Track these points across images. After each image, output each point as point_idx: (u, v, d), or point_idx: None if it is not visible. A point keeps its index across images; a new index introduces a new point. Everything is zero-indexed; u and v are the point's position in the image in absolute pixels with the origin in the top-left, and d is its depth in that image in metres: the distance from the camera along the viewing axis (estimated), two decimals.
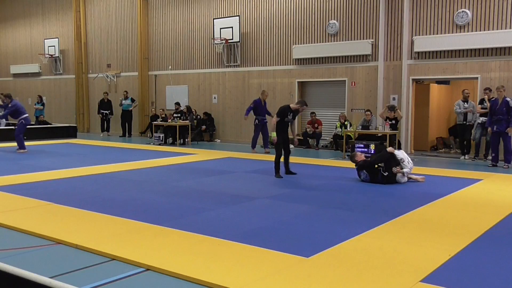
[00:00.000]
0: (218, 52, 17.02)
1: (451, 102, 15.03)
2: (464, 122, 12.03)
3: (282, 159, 9.39)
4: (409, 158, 8.90)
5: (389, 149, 8.90)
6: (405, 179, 8.66)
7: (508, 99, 10.70)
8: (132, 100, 19.09)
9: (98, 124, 20.34)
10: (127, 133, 19.08)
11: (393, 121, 12.44)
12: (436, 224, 5.65)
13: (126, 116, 19.12)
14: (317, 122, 14.82)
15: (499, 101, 10.77)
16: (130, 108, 19.08)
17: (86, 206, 6.46)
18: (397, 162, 8.59)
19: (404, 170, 8.60)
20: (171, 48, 18.61)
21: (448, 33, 12.66)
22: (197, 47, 17.81)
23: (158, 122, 16.75)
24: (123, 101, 18.97)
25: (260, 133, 13.97)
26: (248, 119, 14.26)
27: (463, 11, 12.39)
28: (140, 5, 18.96)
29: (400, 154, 8.85)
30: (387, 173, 8.48)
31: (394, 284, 3.78)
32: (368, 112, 13.26)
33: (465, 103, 12.04)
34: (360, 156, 9.13)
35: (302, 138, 15.14)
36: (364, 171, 8.65)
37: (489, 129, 10.98)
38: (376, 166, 8.56)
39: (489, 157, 11.39)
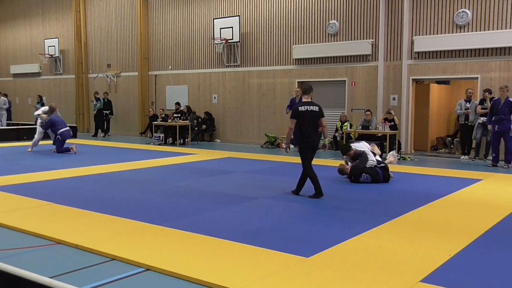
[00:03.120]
0: (218, 52, 17.01)
1: (451, 102, 15.04)
2: (466, 122, 12.02)
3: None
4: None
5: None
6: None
7: (511, 99, 10.67)
8: (97, 100, 19.34)
9: None
10: (99, 133, 19.35)
11: (392, 123, 12.47)
12: (436, 224, 5.65)
13: (99, 115, 19.48)
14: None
15: (502, 101, 10.74)
16: (95, 110, 19.35)
17: (86, 206, 6.46)
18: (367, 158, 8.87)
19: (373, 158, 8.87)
20: (171, 48, 18.60)
21: (448, 33, 12.65)
22: (197, 47, 17.81)
23: (158, 122, 16.75)
24: (95, 102, 19.35)
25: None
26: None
27: (463, 11, 12.39)
28: (140, 5, 18.96)
29: (364, 147, 9.02)
30: (383, 164, 8.64)
31: (394, 284, 3.78)
32: (368, 112, 13.25)
33: (468, 103, 12.02)
34: (348, 164, 9.12)
35: None
36: (365, 174, 8.60)
37: (489, 126, 10.95)
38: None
39: (489, 157, 11.38)
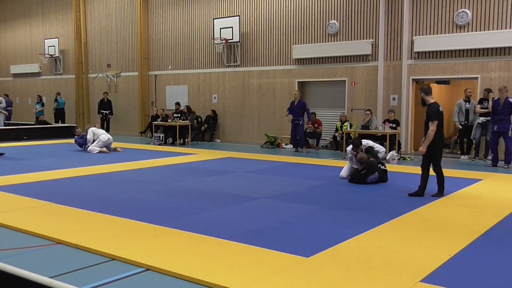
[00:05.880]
0: (218, 52, 17.01)
1: (451, 102, 15.03)
2: (466, 122, 12.02)
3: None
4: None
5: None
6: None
7: (511, 99, 10.68)
8: (55, 100, 20.63)
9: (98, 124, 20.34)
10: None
11: (393, 124, 12.48)
12: (436, 224, 5.65)
13: (60, 114, 20.61)
14: (317, 122, 14.78)
15: (501, 102, 10.74)
16: (54, 111, 20.57)
17: (86, 206, 6.46)
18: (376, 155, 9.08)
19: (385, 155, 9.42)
20: (171, 48, 18.60)
21: (448, 33, 12.65)
22: (197, 47, 17.81)
23: (158, 122, 16.75)
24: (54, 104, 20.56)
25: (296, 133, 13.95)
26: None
27: (463, 11, 12.39)
28: (140, 5, 18.96)
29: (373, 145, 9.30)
30: (383, 166, 8.68)
31: (394, 284, 3.78)
32: (368, 112, 13.25)
33: (467, 103, 12.01)
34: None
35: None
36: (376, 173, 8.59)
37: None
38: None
39: (489, 157, 11.38)
